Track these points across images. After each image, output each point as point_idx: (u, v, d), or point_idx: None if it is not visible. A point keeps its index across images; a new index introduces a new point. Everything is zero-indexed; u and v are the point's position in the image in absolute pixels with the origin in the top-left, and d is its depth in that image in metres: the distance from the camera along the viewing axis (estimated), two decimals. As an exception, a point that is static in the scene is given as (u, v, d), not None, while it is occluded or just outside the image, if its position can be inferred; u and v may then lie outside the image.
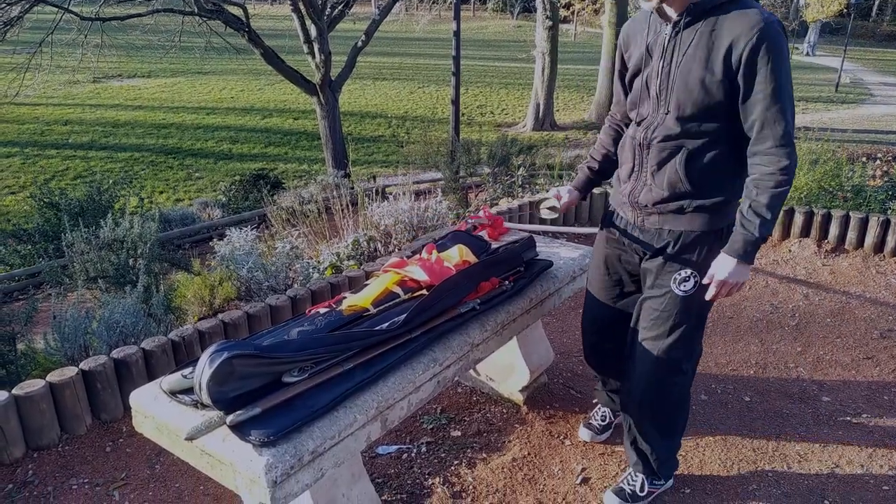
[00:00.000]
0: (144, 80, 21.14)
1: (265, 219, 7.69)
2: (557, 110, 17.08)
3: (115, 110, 16.97)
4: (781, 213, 4.29)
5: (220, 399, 1.62)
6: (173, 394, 1.76)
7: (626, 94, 2.10)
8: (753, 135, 1.78)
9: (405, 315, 2.01)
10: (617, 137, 2.22)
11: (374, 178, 11.46)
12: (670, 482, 2.32)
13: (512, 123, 16.63)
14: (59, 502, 2.23)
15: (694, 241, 1.95)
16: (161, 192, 11.47)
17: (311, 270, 4.28)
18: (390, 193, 4.97)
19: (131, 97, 18.67)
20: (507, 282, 2.38)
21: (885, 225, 4.05)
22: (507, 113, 17.80)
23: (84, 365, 2.52)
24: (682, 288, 1.97)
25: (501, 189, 5.98)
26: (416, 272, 2.29)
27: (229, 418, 1.59)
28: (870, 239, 4.11)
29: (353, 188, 7.22)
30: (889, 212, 4.50)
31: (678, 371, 2.11)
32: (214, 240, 4.86)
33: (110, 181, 8.93)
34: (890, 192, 4.82)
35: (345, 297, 2.21)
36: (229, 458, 1.58)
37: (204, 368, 1.61)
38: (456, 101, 9.00)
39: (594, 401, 2.67)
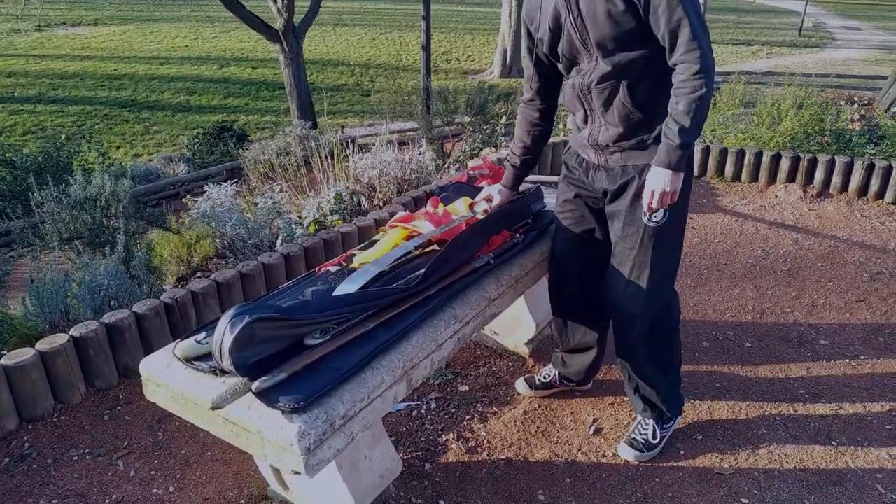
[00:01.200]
0: (90, 29, 20.10)
1: (234, 173, 7.47)
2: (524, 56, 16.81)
3: (61, 61, 16.14)
4: (768, 158, 4.29)
5: (242, 365, 1.53)
6: (188, 361, 1.67)
7: (537, 71, 2.13)
8: (667, 48, 1.78)
9: (422, 271, 1.94)
10: (530, 128, 2.25)
11: (342, 128, 11.19)
12: (679, 419, 2.33)
13: (479, 70, 16.35)
14: (60, 475, 2.14)
15: None
16: (118, 147, 11.01)
17: (293, 226, 4.15)
18: (372, 144, 4.82)
19: (78, 47, 17.75)
20: (517, 234, 2.32)
21: (870, 169, 4.09)
22: (473, 59, 17.48)
23: (75, 331, 2.39)
24: (654, 219, 1.96)
25: (481, 138, 5.87)
26: (425, 226, 2.22)
27: (255, 385, 1.51)
28: (854, 183, 4.15)
29: (318, 140, 7.03)
30: (868, 156, 4.54)
31: (667, 303, 2.13)
32: (188, 196, 4.67)
33: (63, 136, 8.50)
34: (868, 136, 4.86)
35: (354, 255, 2.13)
36: (256, 426, 1.51)
37: (224, 334, 1.52)
38: (427, 47, 8.75)
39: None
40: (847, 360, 2.74)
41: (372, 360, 1.68)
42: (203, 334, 1.73)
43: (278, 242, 3.98)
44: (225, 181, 7.27)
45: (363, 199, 4.45)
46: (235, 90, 14.60)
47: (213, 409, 1.48)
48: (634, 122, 1.92)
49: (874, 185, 4.11)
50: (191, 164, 7.83)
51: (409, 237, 2.19)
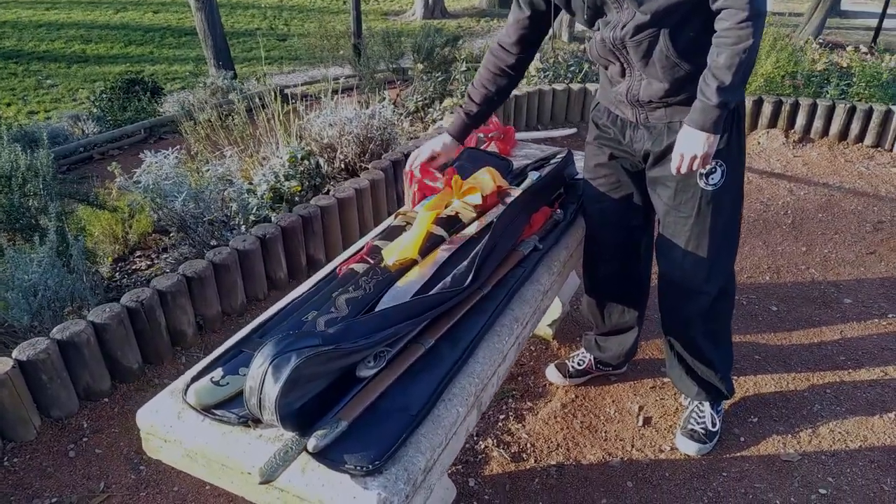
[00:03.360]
0: (-41, -31, 17.82)
1: (153, 131, 6.72)
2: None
3: (-72, 6, 14.25)
4: (750, 102, 4.11)
5: (288, 415, 1.18)
6: (207, 410, 1.29)
7: (531, 18, 1.81)
8: None
9: (466, 264, 1.61)
10: (500, 74, 1.91)
11: (263, 77, 10.37)
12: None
13: (399, 12, 15.58)
14: (24, 537, 1.72)
15: None
16: (8, 104, 9.81)
17: (245, 195, 3.68)
18: (311, 95, 4.32)
19: (-54, -10, 15.71)
20: (556, 210, 2.01)
21: (851, 112, 3.98)
22: (393, 0, 16.66)
23: (20, 353, 1.92)
24: (710, 182, 1.71)
25: (433, 87, 5.44)
26: (456, 204, 1.88)
27: (311, 443, 1.16)
28: (835, 127, 4.05)
29: (242, 91, 6.44)
30: (848, 98, 4.44)
31: (728, 274, 1.90)
32: (114, 164, 4.06)
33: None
34: (838, 77, 4.75)
35: (377, 246, 1.76)
36: (317, 495, 1.16)
37: (265, 380, 1.15)
38: (356, -13, 8.08)
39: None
40: (877, 320, 2.62)
41: (443, 391, 1.35)
42: (220, 372, 1.34)
43: (232, 211, 3.52)
44: (144, 140, 6.56)
45: (321, 160, 4.00)
46: (137, 37, 13.34)
47: (265, 482, 1.12)
48: (682, 74, 1.63)
49: (854, 128, 4.01)
50: (102, 123, 6.99)
51: (437, 220, 1.84)
